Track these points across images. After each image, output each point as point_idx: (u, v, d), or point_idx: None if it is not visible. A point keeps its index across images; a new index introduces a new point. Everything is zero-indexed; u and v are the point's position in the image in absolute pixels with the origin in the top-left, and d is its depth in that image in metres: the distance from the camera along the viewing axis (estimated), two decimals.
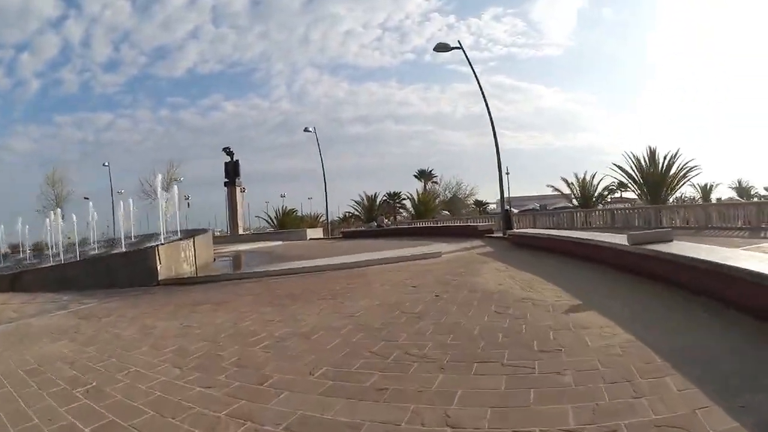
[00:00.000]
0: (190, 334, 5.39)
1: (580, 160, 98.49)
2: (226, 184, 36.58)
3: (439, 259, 11.39)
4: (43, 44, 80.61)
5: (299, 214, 48.06)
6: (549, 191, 46.98)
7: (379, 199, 46.20)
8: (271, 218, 45.44)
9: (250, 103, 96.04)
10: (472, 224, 22.15)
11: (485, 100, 17.21)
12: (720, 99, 79.59)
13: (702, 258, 5.03)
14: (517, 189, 58.90)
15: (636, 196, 36.60)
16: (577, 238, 9.35)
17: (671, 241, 6.69)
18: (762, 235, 15.05)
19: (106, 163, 47.85)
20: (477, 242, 15.32)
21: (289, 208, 46.74)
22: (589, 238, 8.69)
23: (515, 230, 16.27)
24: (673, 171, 27.39)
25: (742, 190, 41.40)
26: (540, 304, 5.45)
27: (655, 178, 27.32)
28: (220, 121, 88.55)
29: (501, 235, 16.12)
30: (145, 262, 10.70)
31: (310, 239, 29.05)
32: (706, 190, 33.11)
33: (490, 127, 16.82)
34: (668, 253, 5.87)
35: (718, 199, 31.99)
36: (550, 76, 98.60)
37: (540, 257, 10.16)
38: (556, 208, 36.35)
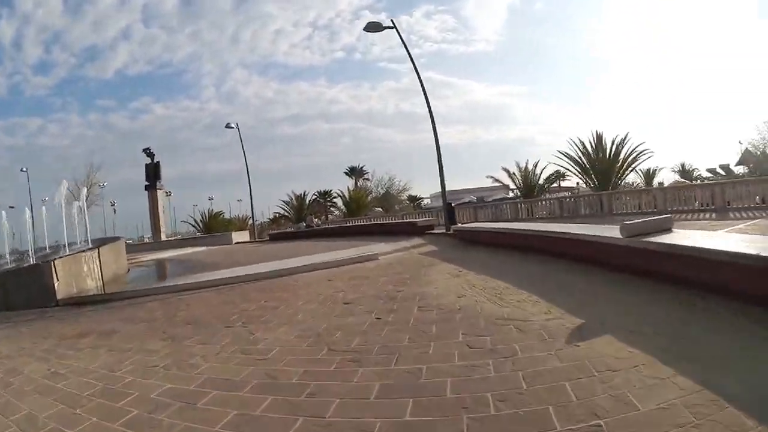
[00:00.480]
0: (51, 390, 3.77)
1: (519, 152, 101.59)
2: (147, 187, 35.18)
3: (377, 263, 9.71)
4: None
5: (227, 216, 46.37)
6: (484, 184, 46.99)
7: (308, 198, 43.90)
8: (197, 222, 43.37)
9: (180, 105, 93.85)
10: (410, 220, 20.62)
11: (422, 84, 15.78)
12: (674, 94, 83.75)
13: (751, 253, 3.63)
14: (451, 183, 57.62)
15: (575, 184, 36.83)
16: (546, 232, 7.97)
17: (670, 230, 5.39)
18: (732, 216, 14.62)
19: (24, 169, 45.35)
20: (418, 240, 13.78)
21: (215, 210, 44.66)
22: (564, 231, 7.31)
23: (460, 225, 14.86)
24: (622, 156, 27.11)
25: (686, 173, 42.91)
26: (527, 329, 3.88)
27: (603, 164, 26.94)
28: (150, 123, 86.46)
29: (444, 231, 14.67)
30: (41, 279, 9.21)
31: (236, 243, 27.68)
32: (648, 175, 33.50)
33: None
34: (684, 247, 4.49)
35: (660, 183, 32.39)
36: (482, 71, 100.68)
37: (498, 256, 8.77)
38: (494, 200, 35.81)
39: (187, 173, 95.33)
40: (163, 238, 34.32)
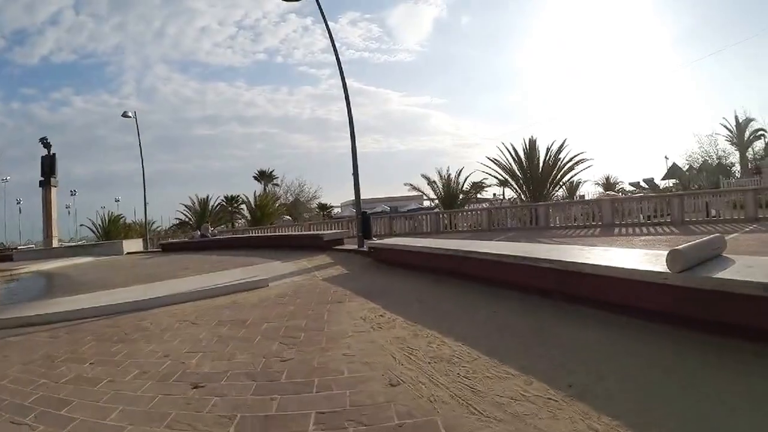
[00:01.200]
0: None
1: (435, 162, 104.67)
2: (41, 183, 30.25)
3: (265, 294, 7.08)
4: None
5: (130, 221, 44.09)
6: (397, 193, 44.89)
7: (213, 203, 40.36)
8: (96, 226, 40.40)
9: (99, 99, 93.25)
10: (316, 232, 17.89)
11: (345, 84, 13.08)
12: (597, 108, 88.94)
13: None
14: (364, 192, 55.66)
15: (501, 194, 35.91)
16: (502, 255, 5.63)
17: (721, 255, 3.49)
18: (699, 230, 13.51)
19: None
20: (323, 258, 11.22)
21: (116, 214, 42.17)
22: (537, 256, 5.02)
23: (377, 241, 12.39)
24: (560, 164, 25.86)
25: (610, 186, 43.94)
26: None
27: (536, 172, 25.56)
28: (69, 117, 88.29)
29: (357, 247, 12.13)
30: None
31: (127, 253, 23.73)
32: (572, 188, 33.30)
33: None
34: None
35: (581, 197, 32.28)
36: (402, 81, 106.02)
37: (432, 287, 6.53)
38: (410, 210, 33.85)
39: (101, 173, 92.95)
40: (55, 244, 29.71)
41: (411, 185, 34.98)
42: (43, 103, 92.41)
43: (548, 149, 26.20)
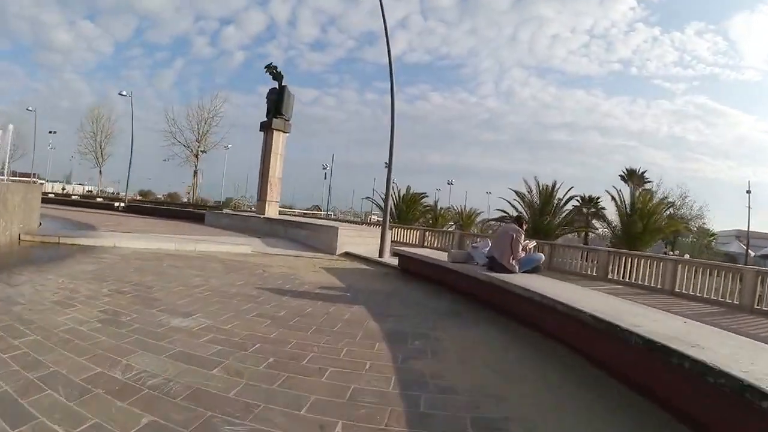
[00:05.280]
0: None
1: None
2: (262, 126, 20.66)
3: None
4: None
5: (456, 206, 39.78)
6: None
7: (560, 195, 27.28)
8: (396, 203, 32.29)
9: (457, 97, 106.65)
10: None
11: None
12: None
13: None
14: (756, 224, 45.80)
15: None
16: None
17: None
18: None
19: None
20: None
21: (417, 192, 35.01)
22: None
23: None
24: None
25: None
26: None
27: None
28: (426, 111, 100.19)
29: None
30: None
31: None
32: None
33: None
34: None
35: None
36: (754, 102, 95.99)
37: None
38: None
39: (455, 164, 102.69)
40: (271, 212, 20.07)
41: None
42: (399, 96, 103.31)
43: None
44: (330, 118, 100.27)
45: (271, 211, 20.25)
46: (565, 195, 26.59)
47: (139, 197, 60.24)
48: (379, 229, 14.14)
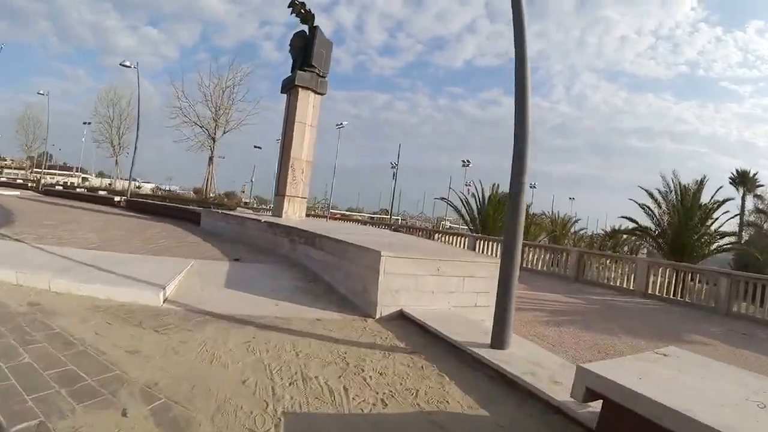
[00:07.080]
0: None
1: None
2: (284, 85, 13.31)
3: None
4: None
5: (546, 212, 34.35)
6: None
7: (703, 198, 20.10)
8: (465, 205, 27.10)
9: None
10: None
11: None
12: None
13: None
14: None
15: None
16: None
17: None
18: None
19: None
20: None
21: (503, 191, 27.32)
22: None
23: None
24: None
25: None
26: None
27: None
28: (498, 116, 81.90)
29: None
30: None
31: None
32: None
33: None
34: None
35: None
36: None
37: None
38: None
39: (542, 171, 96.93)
40: (292, 212, 12.60)
41: None
42: (471, 101, 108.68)
43: None
44: (403, 122, 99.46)
45: (293, 210, 12.61)
46: (711, 199, 18.29)
47: (158, 191, 54.70)
48: (464, 246, 8.72)
